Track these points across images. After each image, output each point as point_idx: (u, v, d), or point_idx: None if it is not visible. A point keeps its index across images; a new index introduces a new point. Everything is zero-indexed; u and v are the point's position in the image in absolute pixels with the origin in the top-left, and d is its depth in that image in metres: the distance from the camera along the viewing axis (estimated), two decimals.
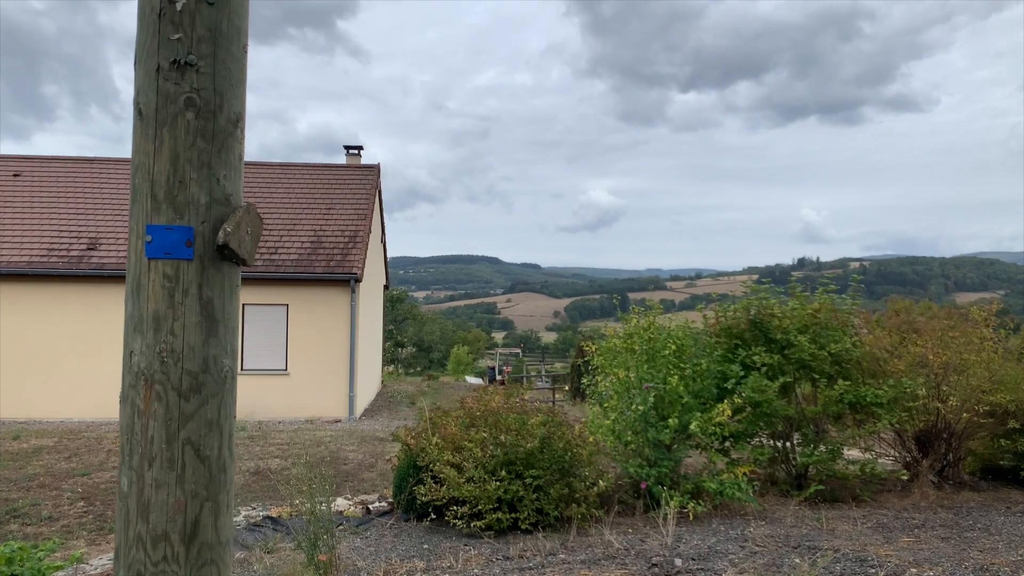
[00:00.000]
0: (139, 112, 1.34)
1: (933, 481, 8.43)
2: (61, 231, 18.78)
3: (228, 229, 1.32)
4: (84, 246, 18.35)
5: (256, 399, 17.93)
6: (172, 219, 1.32)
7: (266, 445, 14.04)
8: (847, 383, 7.94)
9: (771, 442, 8.58)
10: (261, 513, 7.37)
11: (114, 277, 17.70)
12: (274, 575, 5.27)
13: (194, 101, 1.33)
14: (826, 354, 8.07)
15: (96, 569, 5.45)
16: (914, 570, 5.51)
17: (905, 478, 8.93)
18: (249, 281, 18.10)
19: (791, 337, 8.16)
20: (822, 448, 8.11)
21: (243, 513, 7.40)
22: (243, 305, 18.21)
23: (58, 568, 6.27)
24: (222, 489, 1.37)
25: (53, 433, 15.39)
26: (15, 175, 20.89)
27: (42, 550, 6.74)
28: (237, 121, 1.40)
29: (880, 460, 8.86)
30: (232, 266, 1.40)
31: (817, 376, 8.25)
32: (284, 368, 18.37)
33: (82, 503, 9.92)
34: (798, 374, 8.36)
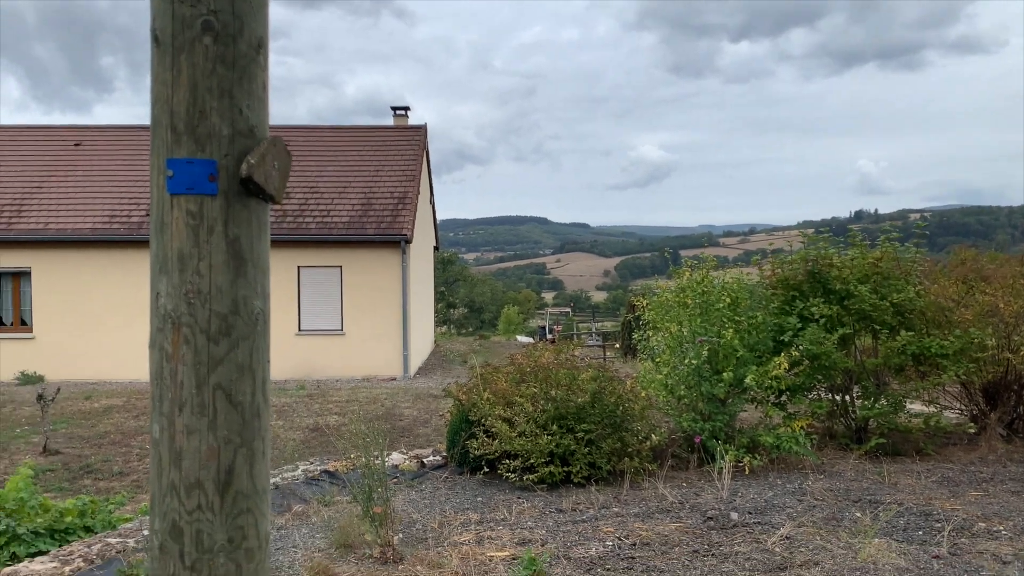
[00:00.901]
0: (155, 39, 1.27)
1: (1002, 434, 8.13)
2: (121, 198, 19.24)
3: (252, 161, 1.24)
4: (144, 212, 18.78)
5: (314, 359, 18.29)
6: (193, 152, 1.25)
7: (324, 403, 14.33)
8: (910, 334, 7.65)
9: (829, 396, 8.37)
10: (319, 467, 7.51)
11: None
12: (331, 527, 5.36)
13: (211, 24, 1.25)
14: (888, 304, 7.78)
15: None
16: (983, 524, 5.32)
17: (972, 431, 8.63)
18: (304, 244, 18.35)
19: (851, 287, 7.88)
20: (883, 401, 7.87)
21: (301, 468, 7.55)
22: (298, 268, 18.49)
23: (127, 520, 6.51)
24: (257, 436, 1.32)
25: (122, 393, 15.97)
26: (76, 145, 21.43)
27: (112, 503, 7.00)
28: (259, 47, 1.31)
29: (945, 413, 8.56)
30: (260, 203, 1.32)
31: (878, 327, 7.97)
32: (340, 328, 18.65)
33: (149, 459, 10.29)
34: (858, 326, 8.09)
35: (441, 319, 52.46)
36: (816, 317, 7.82)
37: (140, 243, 18.17)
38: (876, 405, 7.81)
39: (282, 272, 18.36)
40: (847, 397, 8.26)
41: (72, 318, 18.17)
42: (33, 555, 5.26)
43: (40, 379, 17.43)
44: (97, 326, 18.17)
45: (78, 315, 18.19)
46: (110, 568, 4.58)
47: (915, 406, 8.73)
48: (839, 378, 8.11)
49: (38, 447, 10.61)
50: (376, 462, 5.01)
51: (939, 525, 5.28)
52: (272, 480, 6.91)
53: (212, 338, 1.26)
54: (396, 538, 4.99)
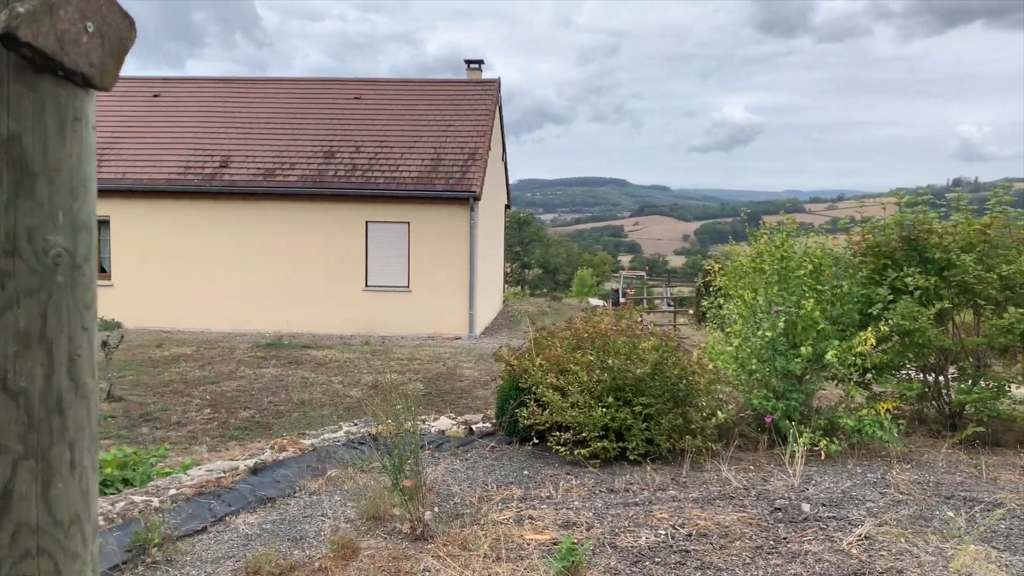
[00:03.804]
0: None
1: None
2: (197, 149, 19.42)
3: (22, 9, 0.77)
4: (217, 164, 18.91)
5: (380, 315, 18.21)
6: None
7: (387, 359, 14.19)
8: (1020, 311, 6.77)
9: (920, 376, 7.57)
10: (363, 429, 7.25)
11: (245, 193, 18.23)
12: (364, 495, 5.05)
13: None
14: (995, 277, 6.90)
15: (192, 480, 5.42)
16: None
17: None
18: (372, 199, 18.15)
19: (952, 257, 7.02)
20: (983, 385, 7.05)
21: (344, 429, 7.31)
22: (366, 223, 18.33)
23: (166, 474, 6.38)
24: (58, 442, 0.87)
25: (193, 342, 16.24)
26: (155, 96, 21.72)
27: (155, 455, 6.91)
28: None
29: None
30: (61, 85, 0.86)
31: (982, 302, 7.11)
32: (406, 285, 18.49)
33: (209, 410, 10.30)
34: (958, 300, 7.24)
35: (515, 279, 52.14)
36: (910, 289, 7.02)
37: (214, 194, 18.35)
38: (975, 389, 6.99)
39: (350, 227, 18.28)
40: (941, 379, 7.46)
41: (148, 267, 18.56)
42: None
43: (118, 325, 17.85)
44: (172, 275, 18.51)
45: (154, 264, 18.57)
46: (127, 530, 4.36)
47: (1021, 391, 7.85)
48: (933, 357, 7.31)
49: (102, 393, 10.77)
50: (407, 429, 4.63)
51: None
52: (311, 441, 6.64)
53: None
54: (428, 513, 4.62)
